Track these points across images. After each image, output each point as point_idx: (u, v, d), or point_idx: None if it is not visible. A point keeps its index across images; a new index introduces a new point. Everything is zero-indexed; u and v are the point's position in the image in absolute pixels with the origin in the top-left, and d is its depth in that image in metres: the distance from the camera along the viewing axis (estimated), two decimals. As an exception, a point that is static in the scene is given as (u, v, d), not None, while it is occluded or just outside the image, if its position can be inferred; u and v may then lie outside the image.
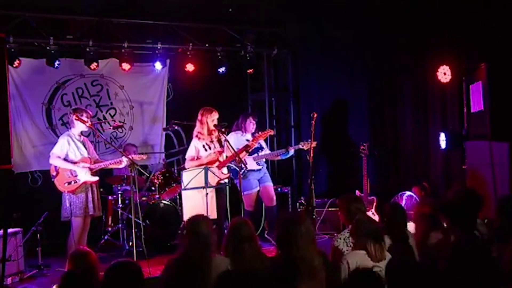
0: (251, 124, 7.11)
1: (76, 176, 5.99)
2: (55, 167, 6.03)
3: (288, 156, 7.31)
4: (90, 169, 6.06)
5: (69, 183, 5.97)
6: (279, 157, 7.36)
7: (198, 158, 6.41)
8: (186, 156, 6.53)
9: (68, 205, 5.94)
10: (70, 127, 6.20)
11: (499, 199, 4.33)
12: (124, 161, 6.17)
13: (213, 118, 6.39)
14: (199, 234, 3.73)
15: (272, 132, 7.13)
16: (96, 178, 6.13)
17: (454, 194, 4.56)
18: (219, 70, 8.47)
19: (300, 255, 3.53)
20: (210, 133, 6.44)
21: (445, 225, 4.28)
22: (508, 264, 2.97)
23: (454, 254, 3.11)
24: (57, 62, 7.47)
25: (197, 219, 3.90)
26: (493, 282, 3.04)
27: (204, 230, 3.77)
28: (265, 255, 4.15)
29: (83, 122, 6.03)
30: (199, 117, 6.45)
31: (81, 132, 6.21)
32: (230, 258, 3.90)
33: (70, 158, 6.05)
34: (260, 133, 6.77)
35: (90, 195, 6.06)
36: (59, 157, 6.00)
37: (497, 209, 4.17)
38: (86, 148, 6.18)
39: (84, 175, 6.02)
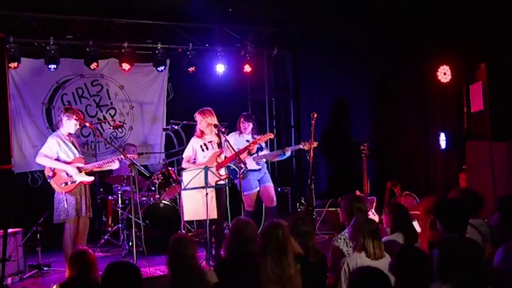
0: (242, 125, 7.09)
1: (71, 176, 5.92)
2: (50, 167, 5.93)
3: (285, 157, 7.31)
4: (83, 169, 5.98)
5: (66, 183, 5.91)
6: (277, 158, 7.37)
7: (195, 160, 6.42)
8: (184, 156, 6.54)
9: (65, 206, 5.84)
10: (58, 127, 6.10)
11: (498, 199, 4.32)
12: (117, 163, 6.12)
13: (211, 119, 6.38)
14: (183, 257, 3.63)
15: (271, 136, 7.12)
16: (92, 178, 6.05)
17: (451, 194, 4.57)
18: (219, 70, 8.47)
19: (269, 265, 3.60)
20: (202, 134, 6.43)
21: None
22: None
23: (445, 253, 3.12)
24: (53, 65, 7.46)
25: (180, 241, 3.77)
26: (483, 282, 3.05)
27: (188, 252, 3.66)
28: None
29: (83, 122, 6.01)
30: (197, 117, 6.44)
31: (80, 132, 6.18)
32: (234, 259, 3.90)
33: (63, 159, 5.94)
34: (259, 136, 6.78)
35: (83, 196, 6.00)
36: (46, 155, 5.90)
37: (496, 208, 4.18)
38: (76, 149, 6.10)
39: (79, 175, 5.94)
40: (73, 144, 6.09)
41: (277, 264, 3.61)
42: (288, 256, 3.66)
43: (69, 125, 5.98)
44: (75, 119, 5.94)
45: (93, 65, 7.78)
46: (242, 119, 7.12)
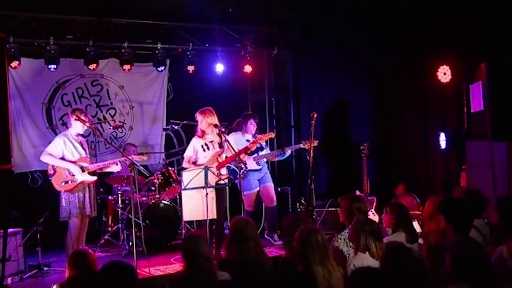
0: (252, 126, 7.13)
1: (73, 175, 5.98)
2: (53, 166, 6.01)
3: (285, 156, 7.34)
4: (87, 169, 6.03)
5: (66, 182, 5.96)
6: (277, 158, 7.39)
7: (195, 161, 6.41)
8: (184, 155, 6.54)
9: (65, 204, 5.94)
10: (67, 127, 6.19)
11: (498, 198, 4.32)
12: (119, 165, 6.17)
13: (211, 118, 6.38)
14: (199, 254, 3.61)
15: (272, 135, 7.16)
16: (94, 178, 6.12)
17: (456, 193, 4.57)
18: (219, 70, 8.47)
19: (316, 269, 3.53)
20: (203, 134, 6.42)
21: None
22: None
23: (458, 254, 3.11)
24: (53, 65, 7.46)
25: (195, 239, 3.77)
26: (488, 282, 3.05)
27: (204, 249, 3.65)
28: (267, 255, 4.16)
29: (83, 122, 6.02)
30: (198, 117, 6.44)
31: (83, 133, 6.22)
32: (234, 258, 3.89)
33: (68, 158, 6.03)
34: (260, 135, 6.79)
35: (87, 195, 6.05)
36: (51, 154, 5.98)
37: (496, 208, 4.18)
38: (83, 149, 6.17)
39: (81, 175, 5.99)
40: (81, 145, 6.16)
41: (323, 267, 3.57)
42: (331, 259, 3.64)
43: (77, 125, 6.06)
44: (75, 119, 6.01)
45: (92, 66, 7.79)
46: (251, 120, 7.12)
